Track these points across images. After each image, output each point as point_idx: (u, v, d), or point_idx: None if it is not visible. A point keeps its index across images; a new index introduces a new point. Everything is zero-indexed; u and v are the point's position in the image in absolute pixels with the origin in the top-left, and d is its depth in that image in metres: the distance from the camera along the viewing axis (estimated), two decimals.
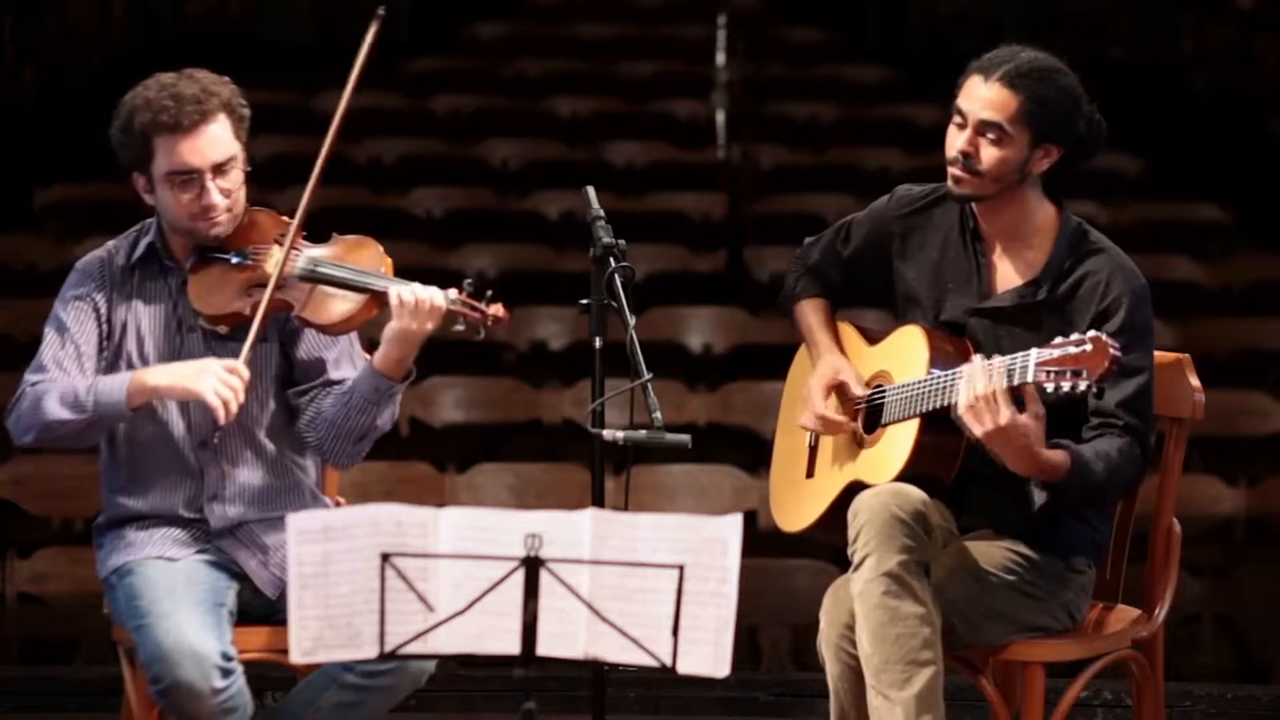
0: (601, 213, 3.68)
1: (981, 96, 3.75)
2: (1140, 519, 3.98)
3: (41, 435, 3.76)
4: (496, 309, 3.75)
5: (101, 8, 11.54)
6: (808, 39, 12.62)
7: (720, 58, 11.47)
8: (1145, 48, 11.95)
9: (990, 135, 3.74)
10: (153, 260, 3.87)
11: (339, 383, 3.87)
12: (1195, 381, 3.95)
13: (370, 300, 3.77)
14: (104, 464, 3.92)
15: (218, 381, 3.69)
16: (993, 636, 3.80)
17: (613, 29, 12.55)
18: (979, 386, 3.56)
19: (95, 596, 4.07)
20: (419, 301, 3.71)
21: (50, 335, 3.85)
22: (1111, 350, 3.45)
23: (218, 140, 3.76)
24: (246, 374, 3.72)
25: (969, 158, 3.75)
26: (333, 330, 3.81)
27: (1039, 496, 3.73)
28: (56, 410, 3.74)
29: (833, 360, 3.98)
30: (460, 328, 3.75)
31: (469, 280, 3.77)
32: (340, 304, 3.77)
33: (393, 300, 3.73)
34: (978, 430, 3.57)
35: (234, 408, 3.69)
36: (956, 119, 3.79)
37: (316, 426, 3.86)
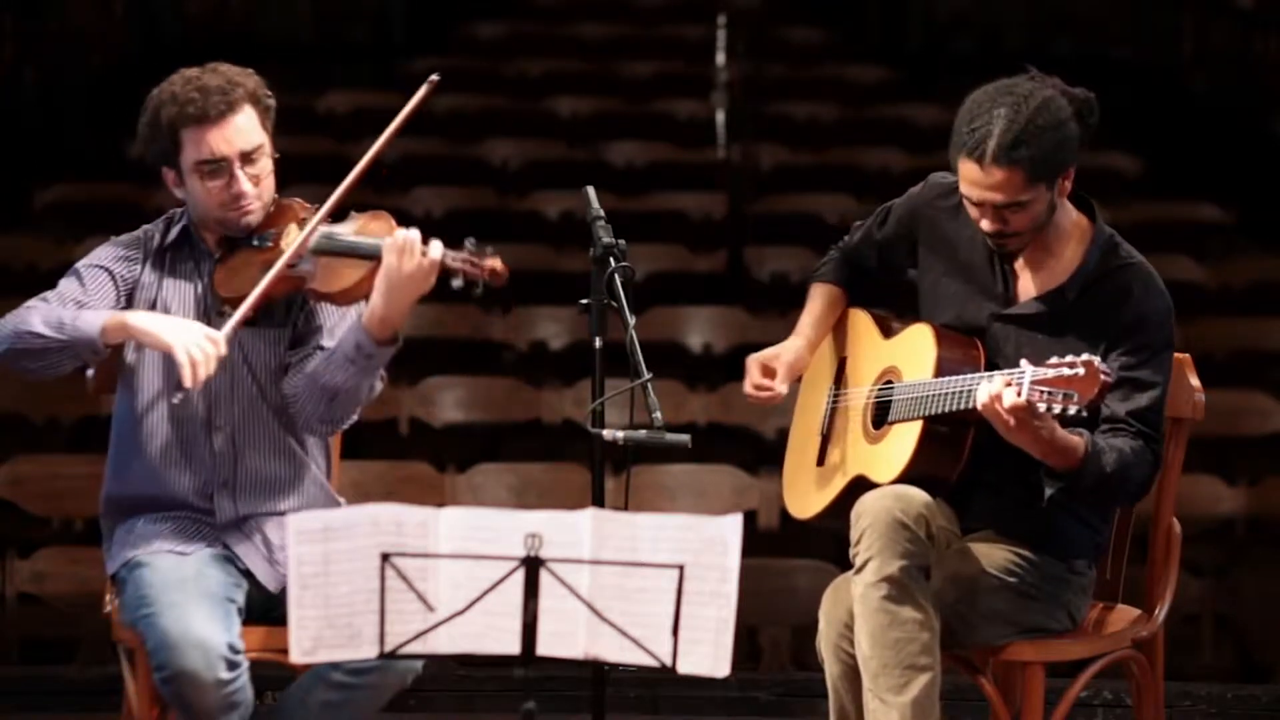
0: (601, 213, 3.68)
1: (985, 183, 3.70)
2: (1140, 519, 3.99)
3: (12, 345, 3.73)
4: (494, 262, 3.69)
5: (102, 8, 11.53)
6: (808, 39, 12.61)
7: (720, 58, 11.47)
8: (1145, 48, 11.93)
9: (1011, 210, 3.72)
10: (185, 244, 3.87)
11: (328, 349, 3.84)
12: (1195, 381, 3.96)
13: (378, 264, 3.72)
14: (115, 448, 3.90)
15: (193, 343, 3.65)
16: (993, 637, 3.80)
17: (613, 29, 12.54)
18: (996, 393, 3.56)
19: (95, 596, 4.07)
20: (409, 241, 3.67)
21: (61, 284, 3.85)
22: (1103, 377, 3.47)
23: (244, 129, 3.78)
24: (224, 350, 3.68)
25: (1002, 231, 3.75)
26: (343, 298, 3.78)
27: (1050, 486, 3.73)
28: (35, 324, 3.73)
29: (790, 344, 4.02)
30: (458, 283, 3.67)
31: (470, 239, 3.72)
32: (349, 270, 3.75)
33: (387, 240, 3.69)
34: (995, 425, 3.57)
35: (201, 373, 3.64)
36: (968, 199, 3.77)
37: (295, 382, 3.83)
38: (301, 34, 12.26)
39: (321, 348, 3.85)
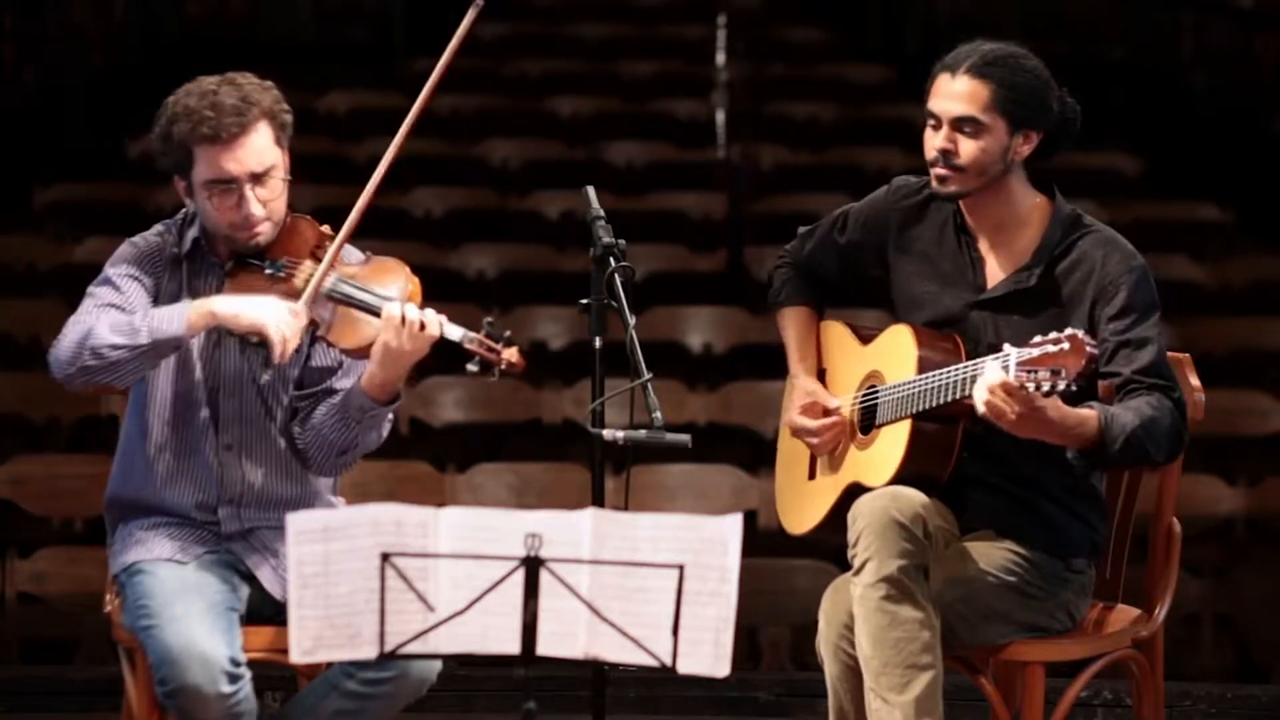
0: (601, 213, 3.68)
1: (951, 92, 3.76)
2: (1140, 519, 3.99)
3: (89, 363, 3.65)
4: (511, 353, 3.69)
5: (102, 8, 11.53)
6: (808, 39, 12.62)
7: (720, 58, 11.48)
8: (1145, 48, 11.94)
9: (967, 129, 3.76)
10: (198, 256, 3.85)
11: (339, 391, 3.86)
12: (1195, 381, 3.95)
13: None
14: (122, 452, 3.90)
15: (282, 320, 3.67)
16: (992, 636, 3.80)
17: (613, 29, 12.55)
18: (990, 382, 3.53)
19: (95, 597, 4.06)
20: (407, 320, 3.67)
21: (98, 292, 3.78)
22: (1089, 349, 3.45)
23: (257, 150, 3.74)
24: (305, 319, 3.71)
25: (949, 155, 3.77)
26: (356, 354, 3.79)
27: (1077, 461, 3.66)
28: (108, 335, 3.65)
29: (805, 385, 4.01)
30: (473, 368, 3.68)
31: (489, 320, 3.71)
32: (362, 329, 3.74)
33: (384, 313, 3.70)
34: (1001, 423, 3.55)
35: (290, 347, 3.68)
36: (930, 121, 3.81)
37: (305, 430, 3.86)
38: (301, 34, 12.27)
39: (332, 390, 3.87)
